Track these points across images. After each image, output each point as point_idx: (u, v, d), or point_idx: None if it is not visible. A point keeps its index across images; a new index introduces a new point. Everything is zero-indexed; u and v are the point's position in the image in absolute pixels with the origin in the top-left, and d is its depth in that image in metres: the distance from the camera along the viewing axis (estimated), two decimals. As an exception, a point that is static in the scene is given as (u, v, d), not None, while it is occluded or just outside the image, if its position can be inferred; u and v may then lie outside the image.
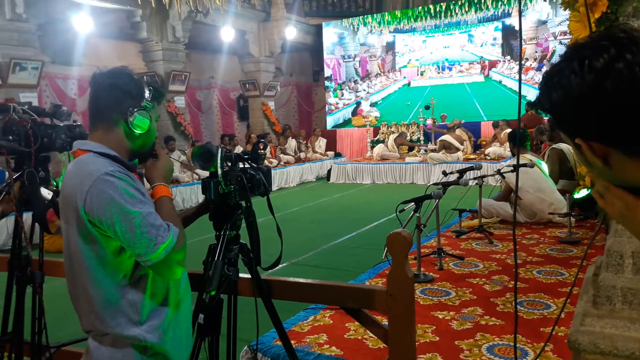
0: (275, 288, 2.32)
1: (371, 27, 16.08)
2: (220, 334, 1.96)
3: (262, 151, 2.24)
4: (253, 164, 2.15)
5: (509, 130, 12.24)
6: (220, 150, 2.02)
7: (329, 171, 13.22)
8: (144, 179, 1.84)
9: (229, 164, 2.06)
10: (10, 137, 2.13)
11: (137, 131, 1.68)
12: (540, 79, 1.00)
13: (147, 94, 1.73)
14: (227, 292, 2.02)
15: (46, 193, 2.23)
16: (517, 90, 13.85)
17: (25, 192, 2.19)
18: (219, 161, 1.99)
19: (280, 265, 2.14)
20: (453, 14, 14.84)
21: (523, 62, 14.05)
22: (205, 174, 2.07)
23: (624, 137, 0.90)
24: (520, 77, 1.66)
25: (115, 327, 1.60)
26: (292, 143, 14.24)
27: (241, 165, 2.12)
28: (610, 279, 1.71)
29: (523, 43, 14.06)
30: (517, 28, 14.13)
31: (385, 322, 2.15)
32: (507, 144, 12.00)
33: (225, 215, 2.04)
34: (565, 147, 6.06)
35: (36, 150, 2.19)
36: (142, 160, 1.83)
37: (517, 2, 13.95)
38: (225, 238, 1.99)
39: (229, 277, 2.00)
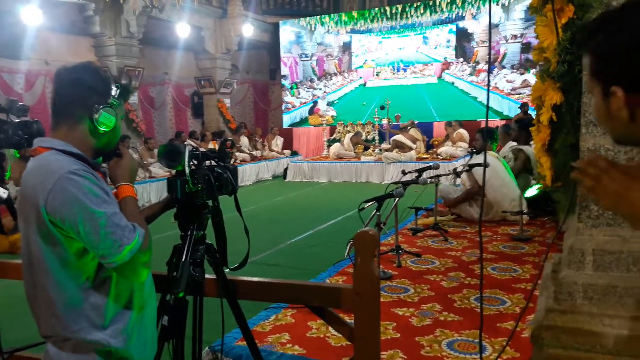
0: (239, 288, 2.30)
1: (328, 27, 16.14)
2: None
3: (229, 149, 2.22)
4: (220, 163, 2.12)
5: (461, 129, 12.56)
6: (187, 148, 2.00)
7: (286, 169, 13.21)
8: (107, 178, 1.79)
9: (195, 162, 2.03)
10: (-36, 134, 2.03)
11: (102, 129, 1.63)
12: (593, 21, 1.02)
13: (114, 91, 1.68)
14: (193, 293, 1.99)
15: (1, 192, 2.14)
16: (469, 92, 14.21)
17: (-21, 190, 2.10)
18: (186, 160, 1.96)
19: (227, 268, 2.12)
20: (408, 16, 15.07)
21: (474, 64, 14.40)
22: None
23: None
24: (488, 77, 1.70)
25: (77, 332, 1.55)
26: (244, 140, 14.11)
27: (207, 164, 2.09)
28: (571, 275, 1.78)
29: (475, 45, 14.41)
30: (470, 31, 14.47)
31: (347, 319, 2.17)
32: (460, 143, 12.33)
33: (192, 214, 2.01)
34: (529, 150, 6.27)
35: (-10, 147, 2.09)
36: (105, 159, 1.78)
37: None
38: (192, 238, 1.97)
39: (195, 277, 1.97)
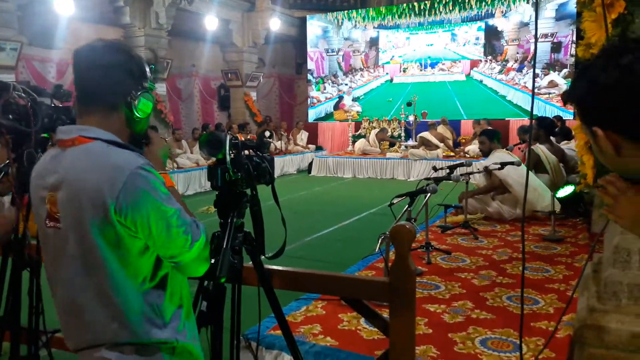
0: (275, 278, 2.31)
1: (355, 22, 16.08)
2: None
3: (267, 139, 2.22)
4: (258, 152, 2.13)
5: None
6: (227, 137, 2.01)
7: (310, 164, 13.24)
8: None
9: (234, 151, 2.04)
10: (10, 116, 2.07)
11: (139, 115, 1.52)
12: (575, 73, 1.13)
13: (148, 72, 1.56)
14: (232, 281, 2.00)
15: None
16: (498, 91, 14.02)
17: (23, 174, 2.13)
18: (227, 148, 1.96)
19: (265, 256, 2.13)
20: (437, 12, 14.93)
21: (504, 63, 14.22)
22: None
23: (636, 129, 1.04)
24: (534, 73, 1.67)
25: (140, 334, 1.46)
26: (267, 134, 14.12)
27: (246, 153, 2.10)
28: (616, 275, 1.75)
29: (505, 44, 14.22)
30: (499, 29, 14.27)
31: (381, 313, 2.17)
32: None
33: (231, 202, 2.02)
34: (539, 149, 6.19)
35: (36, 131, 2.13)
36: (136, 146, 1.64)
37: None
38: (233, 225, 1.98)
39: (234, 264, 1.98)
